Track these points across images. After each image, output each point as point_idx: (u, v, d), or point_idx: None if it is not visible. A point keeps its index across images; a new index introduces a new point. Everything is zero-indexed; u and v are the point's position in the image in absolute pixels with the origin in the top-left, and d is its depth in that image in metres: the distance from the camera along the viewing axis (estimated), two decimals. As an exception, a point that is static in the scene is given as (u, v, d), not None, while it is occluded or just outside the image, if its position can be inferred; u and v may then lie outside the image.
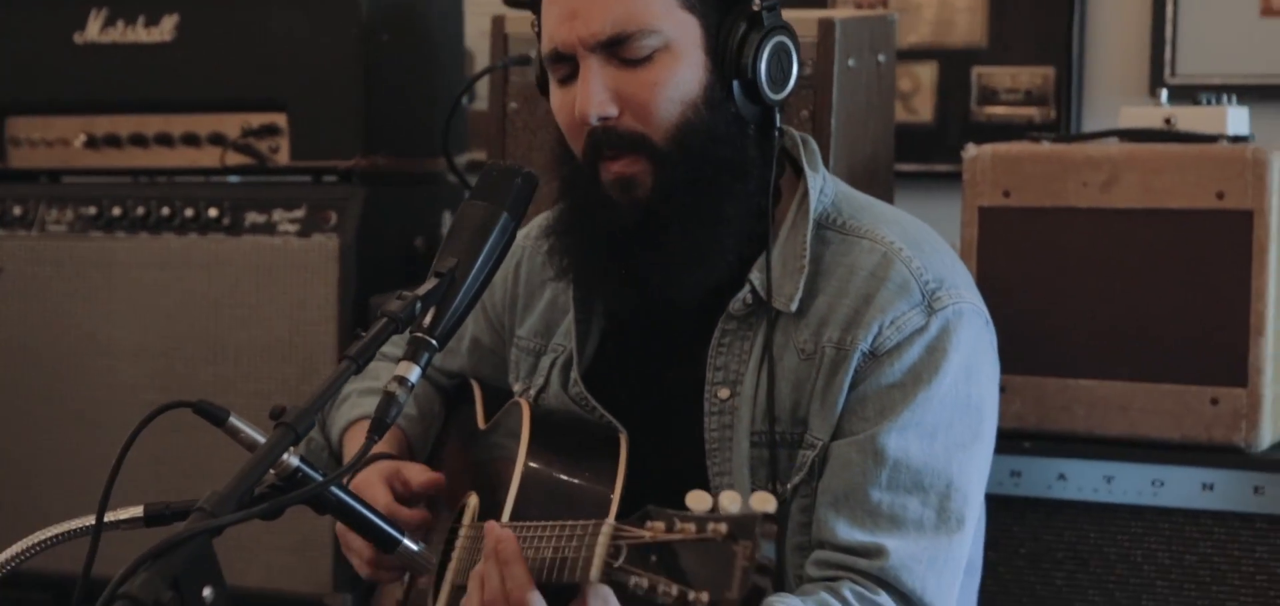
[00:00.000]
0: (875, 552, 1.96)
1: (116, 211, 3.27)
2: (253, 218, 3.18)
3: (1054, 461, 2.54)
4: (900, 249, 2.05)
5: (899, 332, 2.01)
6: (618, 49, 1.99)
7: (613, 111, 2.00)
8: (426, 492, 2.14)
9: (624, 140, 2.00)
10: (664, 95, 1.99)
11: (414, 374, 1.81)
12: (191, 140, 3.29)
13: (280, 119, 3.23)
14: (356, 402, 2.34)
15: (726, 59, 2.02)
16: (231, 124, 3.26)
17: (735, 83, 2.02)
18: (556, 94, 2.07)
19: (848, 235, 2.08)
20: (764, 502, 1.52)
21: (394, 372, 1.81)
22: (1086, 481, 2.52)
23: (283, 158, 3.23)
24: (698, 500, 1.56)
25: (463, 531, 2.13)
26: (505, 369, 2.32)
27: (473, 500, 2.15)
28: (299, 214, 3.15)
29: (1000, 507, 2.54)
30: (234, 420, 1.83)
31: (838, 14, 2.67)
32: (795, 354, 2.04)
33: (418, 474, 2.14)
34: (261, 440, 1.85)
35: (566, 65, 2.03)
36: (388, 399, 1.78)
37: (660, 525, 1.57)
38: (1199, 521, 2.47)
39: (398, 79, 3.23)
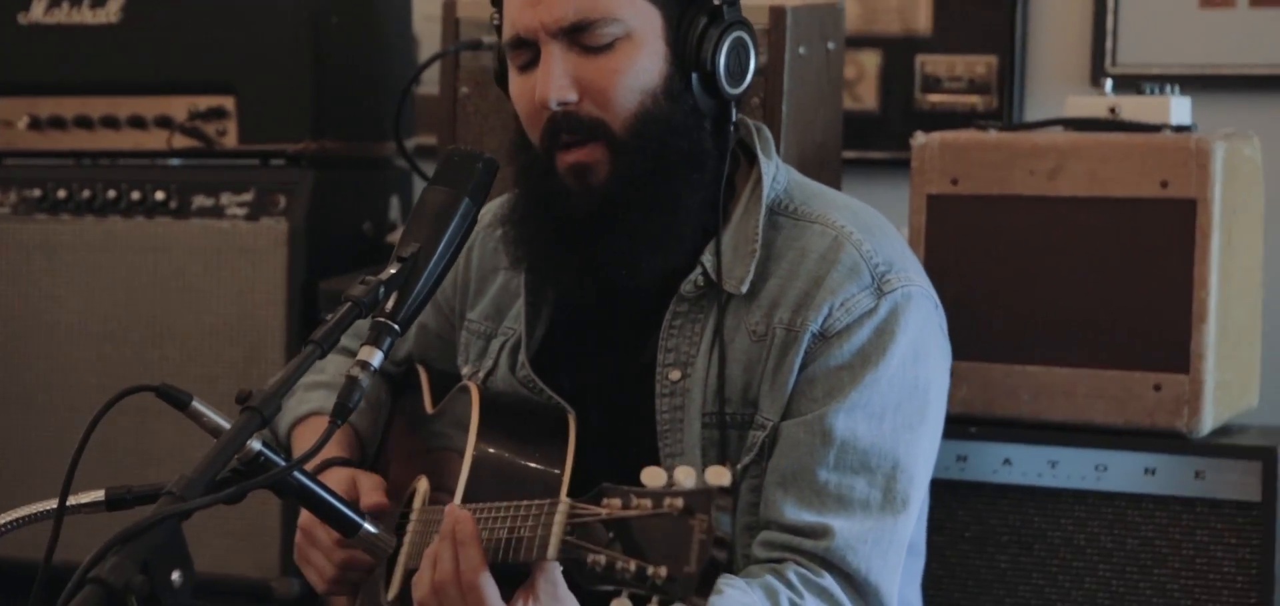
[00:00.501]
0: (821, 532, 1.99)
1: (61, 194, 3.25)
2: (200, 201, 3.17)
3: (999, 446, 2.57)
4: (851, 232, 2.08)
5: (849, 314, 2.04)
6: (579, 36, 2.01)
7: (572, 97, 2.02)
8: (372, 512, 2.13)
9: (583, 126, 2.02)
10: (624, 83, 2.01)
11: (377, 358, 1.82)
12: (138, 123, 3.27)
13: (228, 102, 3.21)
14: (303, 397, 2.34)
15: (686, 51, 2.04)
16: (178, 106, 3.25)
17: (694, 75, 2.04)
18: (516, 81, 2.08)
19: (800, 220, 2.11)
20: (719, 477, 1.54)
21: (357, 357, 1.81)
22: (1031, 466, 2.56)
23: (230, 141, 3.22)
24: (652, 476, 1.58)
25: (413, 516, 2.14)
26: (452, 353, 2.33)
27: (422, 484, 2.15)
28: (247, 197, 3.14)
29: (946, 491, 2.57)
30: (196, 404, 1.83)
31: (789, 2, 2.70)
32: (747, 336, 2.06)
33: (368, 494, 2.13)
34: (224, 424, 1.85)
35: (528, 51, 2.04)
36: (351, 383, 1.79)
37: (616, 502, 1.59)
38: (1141, 505, 2.51)
39: (347, 62, 3.23)
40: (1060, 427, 2.55)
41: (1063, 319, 2.54)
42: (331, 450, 2.22)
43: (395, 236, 3.25)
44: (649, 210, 2.02)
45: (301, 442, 2.31)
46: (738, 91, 2.07)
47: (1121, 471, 2.51)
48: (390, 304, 1.86)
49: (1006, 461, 2.57)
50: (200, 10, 3.22)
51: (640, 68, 2.02)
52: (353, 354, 1.85)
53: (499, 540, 1.83)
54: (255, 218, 3.13)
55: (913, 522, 2.08)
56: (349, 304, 1.82)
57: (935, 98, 3.31)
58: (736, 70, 2.06)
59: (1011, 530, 2.57)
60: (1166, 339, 2.49)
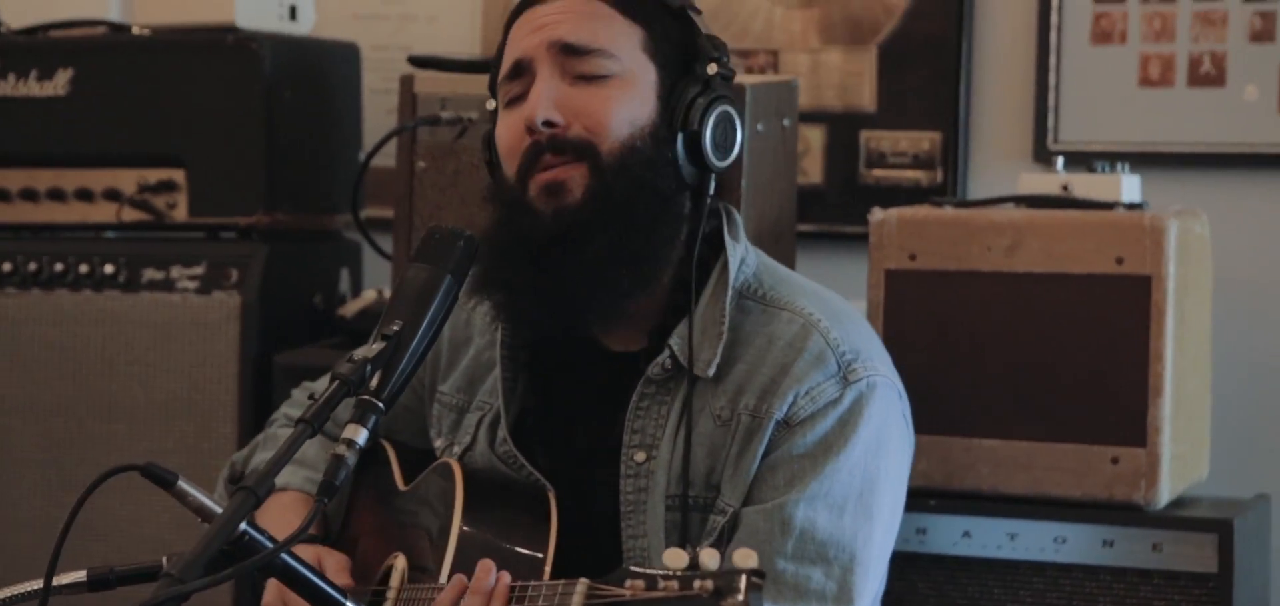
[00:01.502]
0: None
1: (7, 267, 3.22)
2: (150, 274, 3.15)
3: (959, 519, 2.60)
4: (819, 320, 2.09)
5: (814, 403, 2.05)
6: (576, 62, 2.04)
7: (560, 119, 2.03)
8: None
9: (570, 146, 2.03)
10: (617, 111, 2.04)
11: (362, 436, 1.82)
12: (85, 196, 3.25)
13: (178, 175, 3.20)
14: None
15: (676, 113, 2.06)
16: (127, 179, 3.23)
17: (681, 135, 2.06)
18: (504, 119, 2.10)
19: (769, 306, 2.12)
20: (747, 559, 1.54)
21: (343, 435, 1.82)
22: (991, 538, 2.59)
23: (180, 214, 3.20)
24: (675, 558, 1.57)
25: (391, 594, 2.13)
26: (419, 426, 2.32)
27: (400, 562, 2.14)
28: (198, 271, 3.13)
29: (906, 565, 2.59)
30: (182, 484, 1.82)
31: (748, 80, 2.73)
32: (711, 419, 2.07)
33: (334, 575, 2.11)
34: (209, 503, 1.84)
35: (521, 82, 2.06)
36: (336, 461, 1.80)
37: (640, 583, 1.58)
38: (1099, 577, 2.54)
39: (299, 135, 3.22)
40: (1019, 500, 2.58)
41: (1021, 392, 2.58)
42: (295, 524, 2.20)
43: (346, 309, 3.25)
44: (620, 237, 2.02)
45: (264, 519, 2.29)
46: (723, 164, 2.09)
47: (1080, 543, 2.54)
48: (374, 381, 1.86)
49: (966, 534, 2.60)
50: (149, 83, 3.21)
51: (633, 106, 2.05)
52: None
53: None
54: (207, 291, 3.12)
55: None
56: (337, 383, 1.82)
57: (880, 173, 3.35)
58: (722, 143, 2.09)
59: (972, 602, 2.59)
60: (1123, 412, 2.53)
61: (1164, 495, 2.53)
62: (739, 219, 2.17)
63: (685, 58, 2.09)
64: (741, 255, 2.13)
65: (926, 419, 2.56)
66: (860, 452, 2.05)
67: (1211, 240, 2.73)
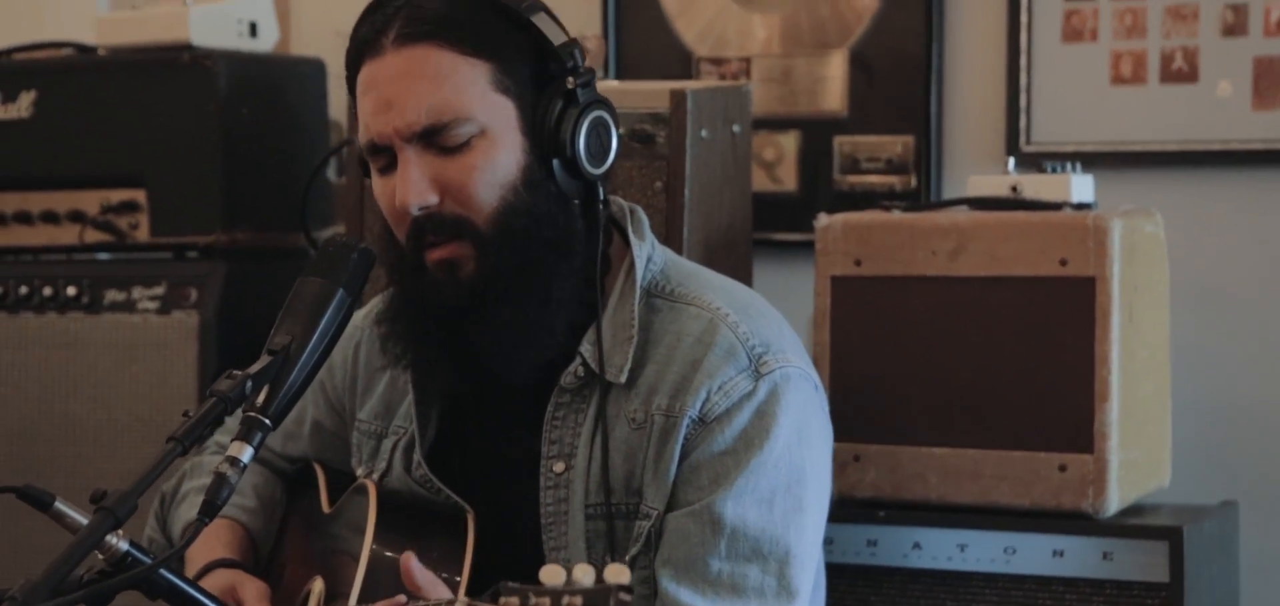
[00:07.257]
0: None
1: (-23, 292, 3.24)
2: (112, 295, 3.15)
3: (909, 530, 2.55)
4: (726, 314, 2.06)
5: (727, 398, 2.01)
6: (434, 138, 1.98)
7: (433, 200, 1.99)
8: None
9: (447, 226, 2.00)
10: (483, 180, 1.99)
11: (246, 454, 1.79)
12: (50, 218, 3.26)
13: (139, 195, 3.20)
14: (195, 502, 2.29)
15: (544, 139, 2.02)
16: (90, 200, 3.23)
17: (555, 161, 2.02)
18: (378, 183, 2.06)
19: (676, 302, 2.09)
20: (618, 575, 1.53)
21: (226, 453, 1.79)
22: (940, 550, 2.54)
23: (142, 234, 3.20)
24: (552, 575, 1.56)
25: (309, 618, 2.11)
26: (348, 452, 2.30)
27: (318, 585, 2.12)
28: (159, 290, 3.13)
29: (857, 577, 2.55)
30: (60, 505, 1.80)
31: (691, 85, 2.69)
32: (626, 423, 2.04)
33: (252, 602, 2.09)
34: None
35: (385, 156, 2.02)
36: (219, 480, 1.77)
37: (515, 600, 1.56)
38: (1050, 588, 2.49)
39: (258, 152, 3.22)
40: (968, 510, 2.53)
41: (967, 400, 2.53)
42: (219, 551, 2.19)
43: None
44: (518, 303, 2.00)
45: (193, 548, 2.27)
46: (601, 171, 2.04)
47: (1030, 554, 2.49)
48: (261, 398, 1.83)
49: (916, 546, 2.55)
50: (111, 103, 3.21)
51: (498, 163, 2.00)
52: None
53: None
54: (166, 311, 3.11)
55: None
56: (213, 399, 1.80)
57: (854, 178, 3.30)
58: (598, 150, 2.04)
59: (923, 615, 2.55)
60: (1070, 418, 2.47)
61: (1113, 502, 2.47)
62: (642, 216, 2.13)
63: (539, 70, 2.03)
64: (647, 253, 2.10)
65: (874, 428, 2.54)
66: (783, 445, 2.01)
67: (1172, 240, 2.67)
